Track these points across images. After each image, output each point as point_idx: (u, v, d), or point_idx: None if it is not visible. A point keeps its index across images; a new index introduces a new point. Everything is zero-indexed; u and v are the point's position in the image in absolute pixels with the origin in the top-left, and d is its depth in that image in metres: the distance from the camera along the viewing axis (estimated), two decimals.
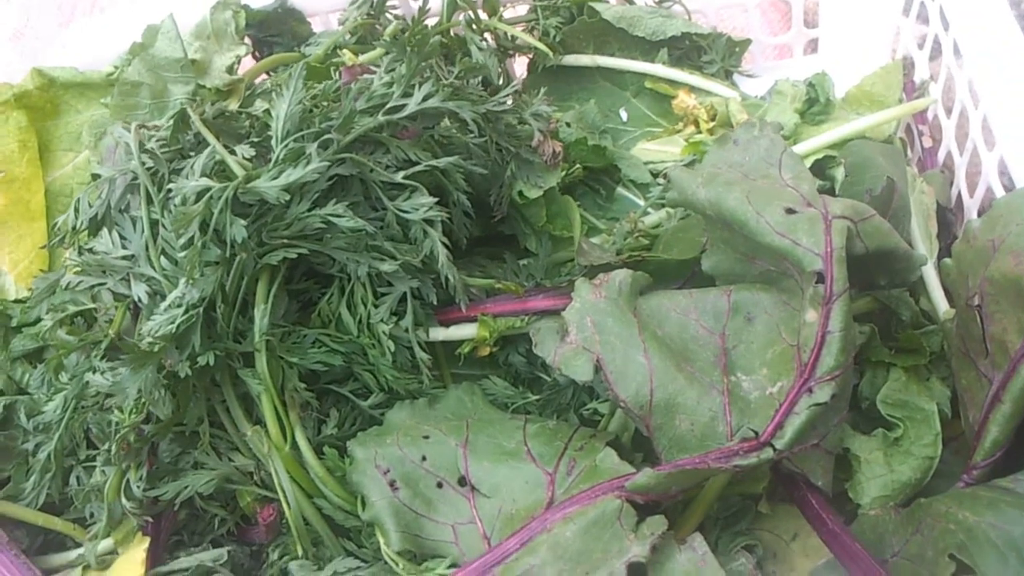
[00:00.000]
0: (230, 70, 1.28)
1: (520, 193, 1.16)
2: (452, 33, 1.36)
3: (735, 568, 0.86)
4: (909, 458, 0.95)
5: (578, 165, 1.27)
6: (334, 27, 1.55)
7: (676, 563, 0.82)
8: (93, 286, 1.04)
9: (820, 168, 1.21)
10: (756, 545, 0.94)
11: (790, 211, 0.92)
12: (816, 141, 1.26)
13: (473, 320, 1.09)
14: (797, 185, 0.97)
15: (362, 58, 1.23)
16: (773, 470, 0.97)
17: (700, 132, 1.34)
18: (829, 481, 0.92)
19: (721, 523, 0.98)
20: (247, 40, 1.36)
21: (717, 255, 1.01)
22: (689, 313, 0.98)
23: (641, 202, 1.28)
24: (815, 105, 1.34)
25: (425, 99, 1.04)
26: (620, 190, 1.31)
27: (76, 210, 1.04)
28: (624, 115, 1.43)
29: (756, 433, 0.89)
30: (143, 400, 0.96)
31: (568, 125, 1.30)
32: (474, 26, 1.36)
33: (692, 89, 1.39)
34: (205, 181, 0.96)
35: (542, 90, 1.25)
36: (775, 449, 0.87)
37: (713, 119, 1.34)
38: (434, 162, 1.05)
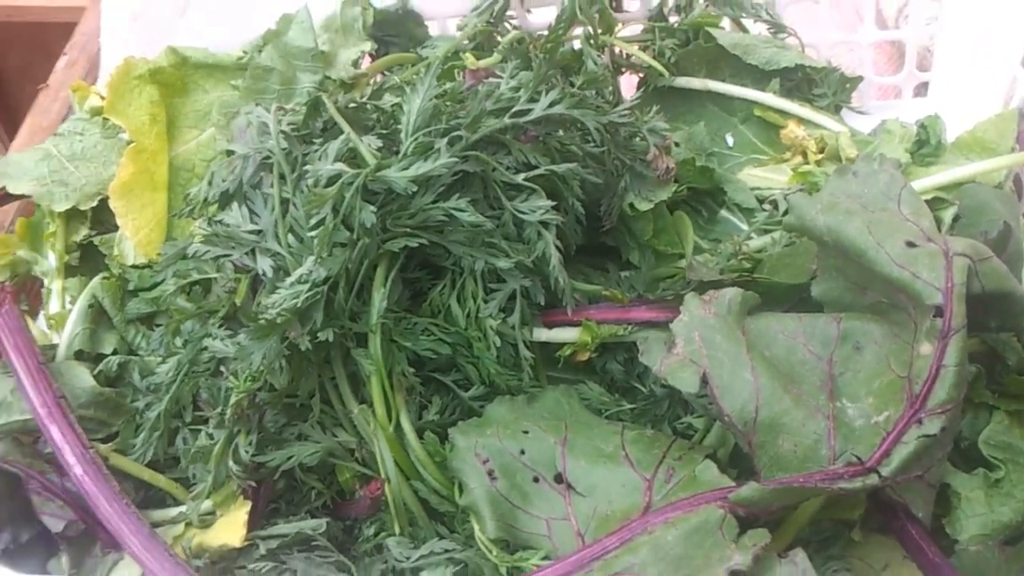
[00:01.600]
0: (355, 64, 1.33)
1: (631, 205, 1.18)
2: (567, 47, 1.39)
3: None
4: (1010, 500, 0.95)
5: (683, 186, 1.29)
6: (450, 32, 1.60)
7: (777, 575, 0.83)
8: (218, 257, 1.08)
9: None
10: (850, 570, 0.94)
11: (911, 244, 0.93)
12: (926, 182, 1.26)
13: (576, 324, 1.12)
14: (917, 220, 0.98)
15: (481, 63, 1.27)
16: (870, 498, 0.97)
17: (807, 163, 1.35)
18: (929, 514, 0.92)
19: (813, 546, 0.98)
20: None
21: (828, 282, 1.02)
22: (797, 337, 0.99)
23: (744, 226, 1.30)
24: (925, 147, 1.35)
25: (551, 105, 1.07)
26: (723, 213, 1.32)
27: (209, 183, 1.09)
28: (730, 140, 1.45)
29: (859, 459, 0.90)
30: (262, 369, 0.99)
31: (677, 145, 1.33)
32: (591, 41, 1.39)
33: (801, 120, 1.40)
34: (340, 166, 0.99)
35: (655, 108, 1.28)
36: (880, 476, 0.87)
37: (822, 151, 1.35)
38: (554, 167, 1.08)
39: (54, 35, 2.09)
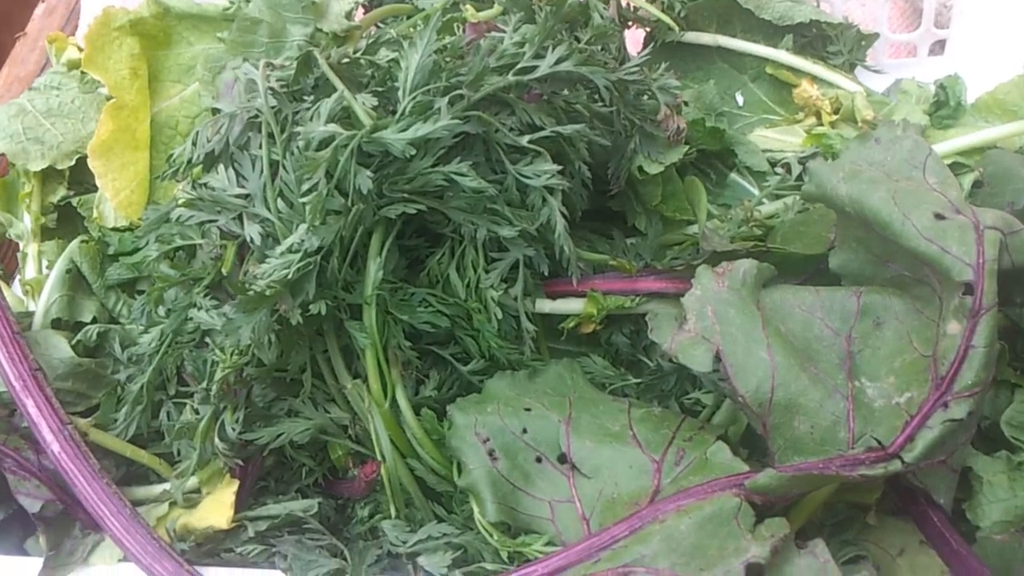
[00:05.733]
0: (348, 16, 1.25)
1: (640, 168, 1.12)
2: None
3: None
4: None
5: (692, 147, 1.23)
6: None
7: (795, 567, 0.79)
8: (203, 222, 1.02)
9: None
10: (866, 557, 0.90)
11: (939, 216, 0.87)
12: (945, 146, 1.21)
13: (581, 295, 1.07)
14: (944, 190, 0.92)
15: (482, 15, 1.19)
16: (889, 482, 0.93)
17: (821, 124, 1.29)
18: (951, 500, 0.88)
19: (827, 530, 0.95)
20: None
21: (847, 254, 0.97)
22: (815, 311, 0.94)
23: (755, 190, 1.24)
24: (943, 108, 1.30)
25: (558, 62, 1.00)
26: (733, 176, 1.27)
27: (193, 143, 1.02)
28: (740, 100, 1.39)
29: (880, 443, 0.86)
30: (250, 343, 0.94)
31: (686, 104, 1.26)
32: None
33: (815, 79, 1.34)
34: (333, 127, 0.93)
35: (663, 64, 1.21)
36: (904, 462, 0.83)
37: (836, 112, 1.29)
38: (560, 128, 1.02)
39: None
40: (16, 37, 1.92)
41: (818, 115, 1.31)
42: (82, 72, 1.30)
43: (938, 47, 1.57)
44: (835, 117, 1.30)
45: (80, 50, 1.31)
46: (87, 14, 1.52)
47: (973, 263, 0.84)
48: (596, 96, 1.07)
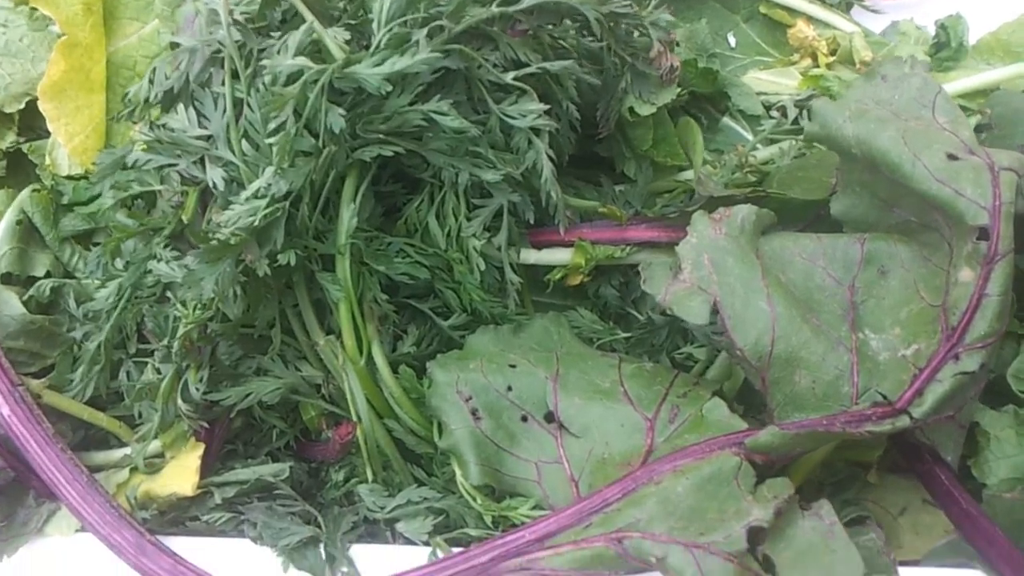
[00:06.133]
0: None
1: (631, 110, 1.05)
2: None
3: (863, 543, 0.78)
4: None
5: (684, 90, 1.16)
6: None
7: (800, 530, 0.74)
8: (162, 166, 0.95)
9: None
10: (869, 517, 0.86)
11: (952, 157, 0.82)
12: (947, 88, 1.15)
13: (568, 245, 1.01)
14: (956, 130, 0.87)
15: None
16: (893, 440, 0.89)
17: (818, 66, 1.23)
18: (958, 457, 0.84)
19: (827, 490, 0.90)
20: None
21: (850, 198, 0.92)
22: (816, 260, 0.89)
23: (749, 135, 1.19)
24: (944, 49, 1.24)
25: None
26: (726, 120, 1.21)
27: (151, 81, 0.94)
28: (732, 41, 1.32)
29: (886, 397, 0.81)
30: (214, 297, 0.87)
31: (677, 44, 1.20)
32: None
33: (811, 19, 1.28)
34: (302, 60, 0.86)
35: (653, 2, 1.14)
36: (912, 418, 0.79)
37: (833, 54, 1.23)
38: (547, 65, 0.95)
39: None
40: None
41: (814, 57, 1.25)
42: (31, 8, 1.21)
43: None
44: (832, 59, 1.24)
45: None
46: None
47: (989, 206, 0.79)
48: (585, 32, 1.00)
